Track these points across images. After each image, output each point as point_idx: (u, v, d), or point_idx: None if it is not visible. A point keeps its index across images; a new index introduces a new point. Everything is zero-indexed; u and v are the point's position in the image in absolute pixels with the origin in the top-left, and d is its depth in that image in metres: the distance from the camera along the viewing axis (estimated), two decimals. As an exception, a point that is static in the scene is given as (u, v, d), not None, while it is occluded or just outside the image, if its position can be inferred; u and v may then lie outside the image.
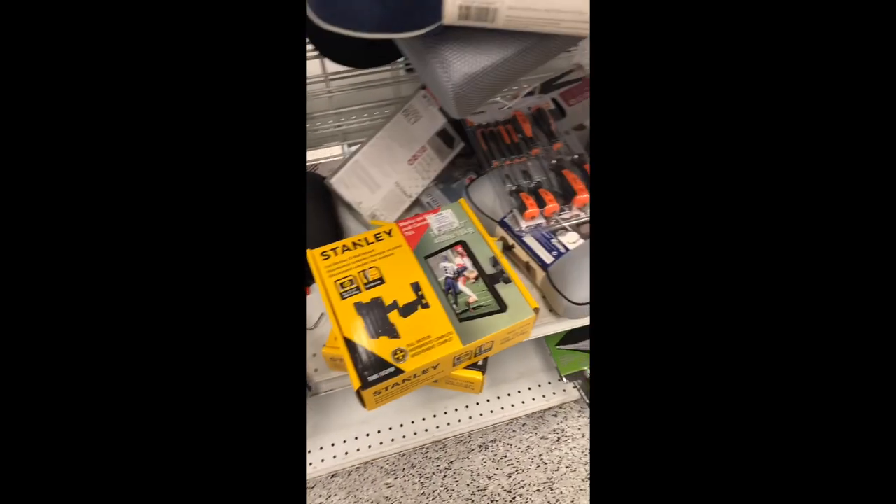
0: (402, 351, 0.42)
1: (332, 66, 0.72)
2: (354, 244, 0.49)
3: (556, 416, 0.95)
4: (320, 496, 0.82)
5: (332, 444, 0.80)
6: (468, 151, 0.71)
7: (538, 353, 0.90)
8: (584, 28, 0.37)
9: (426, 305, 0.46)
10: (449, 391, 0.86)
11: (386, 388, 0.42)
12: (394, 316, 0.44)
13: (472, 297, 0.47)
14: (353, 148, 0.69)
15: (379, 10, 0.36)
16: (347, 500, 0.82)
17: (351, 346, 0.42)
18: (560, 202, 0.58)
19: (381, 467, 0.85)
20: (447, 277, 0.48)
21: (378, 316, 0.44)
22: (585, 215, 0.59)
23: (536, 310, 0.47)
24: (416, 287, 0.47)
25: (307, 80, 0.72)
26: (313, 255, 0.48)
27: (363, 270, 0.47)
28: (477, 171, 0.72)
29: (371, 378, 0.41)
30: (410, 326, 0.44)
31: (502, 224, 0.60)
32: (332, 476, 0.84)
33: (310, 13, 0.38)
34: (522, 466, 0.88)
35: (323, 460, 0.79)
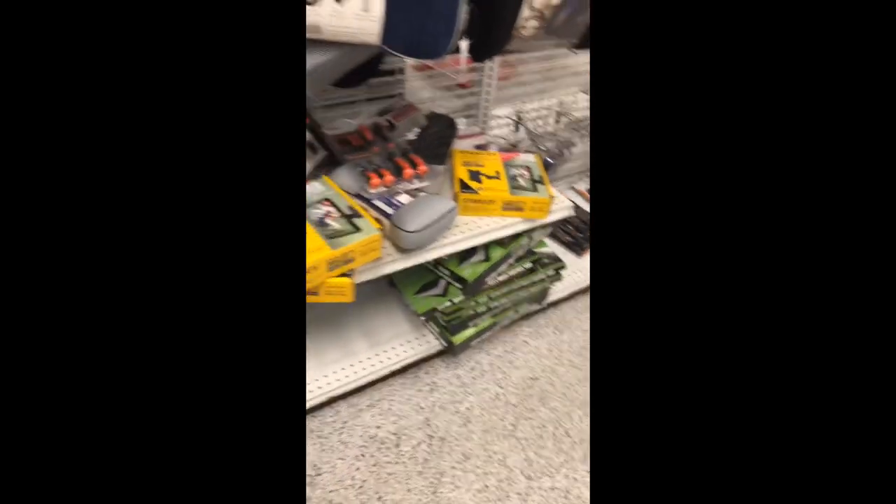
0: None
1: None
2: None
3: (427, 373, 1.16)
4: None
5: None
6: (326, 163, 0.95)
7: (406, 318, 1.13)
8: (368, 38, 0.64)
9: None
10: (334, 354, 1.03)
11: None
12: None
13: (336, 226, 0.71)
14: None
15: None
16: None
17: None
18: (394, 175, 0.84)
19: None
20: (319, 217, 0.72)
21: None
22: (412, 185, 0.86)
23: (380, 229, 0.71)
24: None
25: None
26: None
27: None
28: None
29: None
30: None
31: (357, 196, 0.84)
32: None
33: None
34: (404, 413, 1.07)
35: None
